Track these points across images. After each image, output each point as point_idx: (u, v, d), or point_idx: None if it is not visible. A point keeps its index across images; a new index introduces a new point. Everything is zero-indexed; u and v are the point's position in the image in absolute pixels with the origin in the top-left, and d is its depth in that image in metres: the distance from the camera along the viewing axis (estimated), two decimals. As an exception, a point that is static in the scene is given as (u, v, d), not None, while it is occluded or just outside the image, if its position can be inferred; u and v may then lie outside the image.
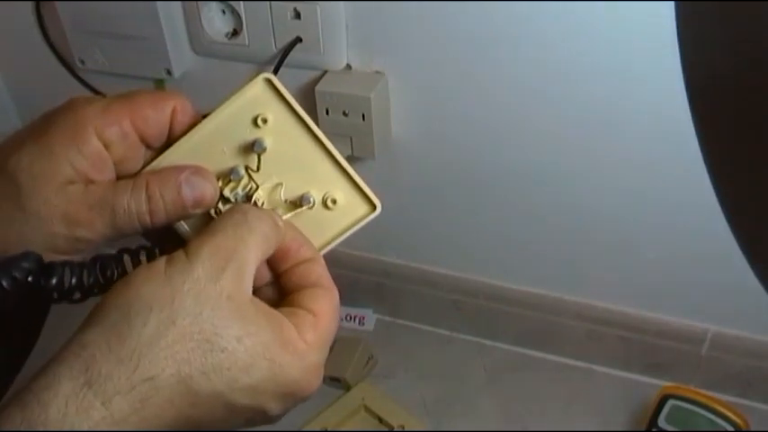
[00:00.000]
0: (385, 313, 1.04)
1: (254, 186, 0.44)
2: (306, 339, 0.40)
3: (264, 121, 0.43)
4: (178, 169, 0.43)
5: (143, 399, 0.35)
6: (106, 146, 0.42)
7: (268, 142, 0.43)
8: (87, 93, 0.93)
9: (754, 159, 0.26)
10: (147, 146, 0.45)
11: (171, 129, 0.44)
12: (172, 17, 0.83)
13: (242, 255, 0.39)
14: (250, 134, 0.43)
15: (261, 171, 0.44)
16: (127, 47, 0.86)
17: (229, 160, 0.44)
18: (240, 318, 0.38)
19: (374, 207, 0.45)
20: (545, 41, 0.73)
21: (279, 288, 0.44)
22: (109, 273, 0.41)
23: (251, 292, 0.39)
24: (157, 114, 0.43)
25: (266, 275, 0.44)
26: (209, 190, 0.43)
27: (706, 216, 0.48)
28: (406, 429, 0.88)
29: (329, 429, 0.89)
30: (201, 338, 0.36)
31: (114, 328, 0.36)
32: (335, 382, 0.93)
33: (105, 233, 0.42)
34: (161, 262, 0.38)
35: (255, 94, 0.43)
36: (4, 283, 0.37)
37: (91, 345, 0.35)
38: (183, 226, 0.45)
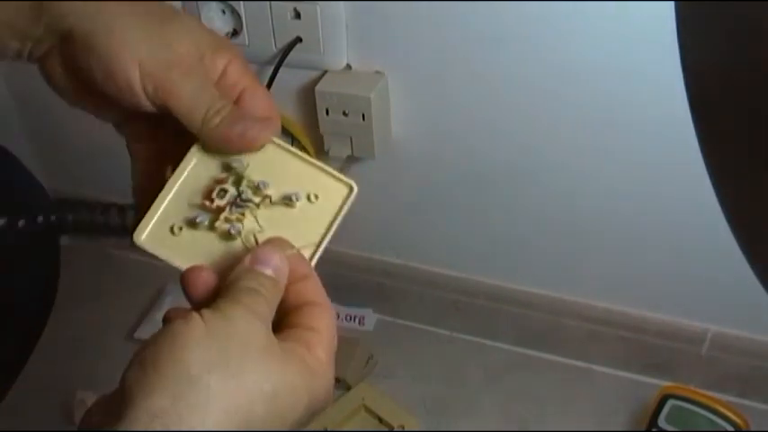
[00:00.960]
0: (385, 313, 1.04)
1: (249, 198, 0.48)
2: (319, 358, 0.42)
3: (316, 197, 0.48)
4: (254, 119, 0.49)
5: None
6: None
7: (299, 206, 0.48)
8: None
9: (754, 159, 0.26)
10: None
11: None
12: (172, 17, 0.83)
13: (261, 314, 0.42)
14: (296, 190, 0.48)
15: (265, 205, 0.48)
16: (127, 47, 0.86)
17: (264, 179, 0.48)
18: (279, 363, 0.40)
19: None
20: (552, 42, 0.73)
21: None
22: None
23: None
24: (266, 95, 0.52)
25: None
26: (250, 132, 0.47)
27: (706, 216, 0.48)
28: (406, 429, 0.88)
29: (329, 429, 0.89)
30: (256, 388, 0.39)
31: (181, 395, 0.38)
32: (335, 382, 0.93)
33: (159, 99, 0.46)
34: (200, 322, 0.40)
35: (335, 186, 0.49)
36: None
37: (161, 413, 0.37)
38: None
